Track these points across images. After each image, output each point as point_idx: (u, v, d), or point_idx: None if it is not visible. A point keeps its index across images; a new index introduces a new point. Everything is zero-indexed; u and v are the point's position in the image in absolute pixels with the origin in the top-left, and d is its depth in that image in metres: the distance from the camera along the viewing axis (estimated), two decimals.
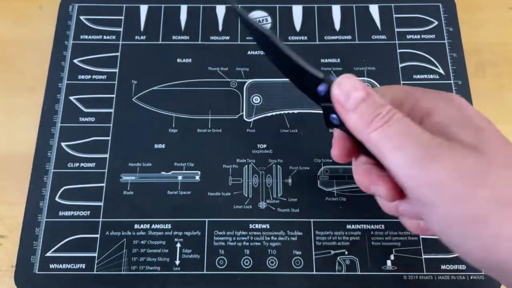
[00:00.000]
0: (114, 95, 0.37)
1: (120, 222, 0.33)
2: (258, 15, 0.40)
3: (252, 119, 0.36)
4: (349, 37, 0.39)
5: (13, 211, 0.34)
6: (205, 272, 0.32)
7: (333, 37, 0.39)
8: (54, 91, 0.37)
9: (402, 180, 0.21)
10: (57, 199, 0.34)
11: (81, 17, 0.40)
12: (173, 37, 0.39)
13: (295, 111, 0.36)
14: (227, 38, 0.39)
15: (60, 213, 0.33)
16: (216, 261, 0.32)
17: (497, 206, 0.19)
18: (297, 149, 0.35)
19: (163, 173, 0.35)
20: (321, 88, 0.23)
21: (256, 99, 0.37)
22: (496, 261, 0.19)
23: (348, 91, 0.22)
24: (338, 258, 0.32)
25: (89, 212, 0.33)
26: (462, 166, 0.19)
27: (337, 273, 0.32)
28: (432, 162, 0.19)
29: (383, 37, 0.39)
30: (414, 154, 0.20)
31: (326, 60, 0.38)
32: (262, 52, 0.39)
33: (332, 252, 0.32)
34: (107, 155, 0.35)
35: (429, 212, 0.21)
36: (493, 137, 0.21)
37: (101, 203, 0.34)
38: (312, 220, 0.33)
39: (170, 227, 0.33)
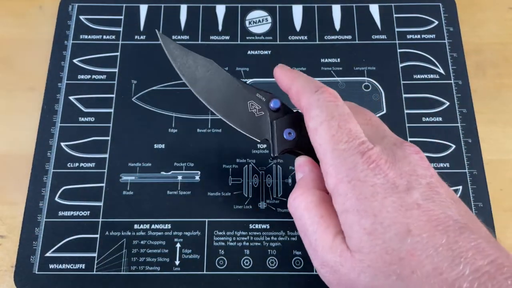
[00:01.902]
0: (114, 95, 0.37)
1: (120, 222, 0.33)
2: (258, 15, 0.40)
3: None
4: (349, 37, 0.39)
5: (13, 211, 0.34)
6: (205, 272, 0.32)
7: (333, 37, 0.39)
8: (54, 91, 0.37)
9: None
10: (56, 199, 0.34)
11: (81, 17, 0.40)
12: (173, 37, 0.39)
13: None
14: (227, 38, 0.39)
15: (60, 213, 0.33)
16: (216, 261, 0.32)
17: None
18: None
19: (163, 173, 0.35)
20: (272, 104, 0.27)
21: None
22: None
23: (301, 166, 0.26)
24: None
25: (88, 212, 0.33)
26: (336, 271, 0.22)
27: None
28: (313, 259, 0.24)
29: (383, 37, 0.39)
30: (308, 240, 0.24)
31: (326, 60, 0.38)
32: (262, 52, 0.39)
33: None
34: (107, 155, 0.35)
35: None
36: (380, 240, 0.20)
37: (101, 203, 0.34)
38: None
39: (170, 227, 0.33)
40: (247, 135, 0.27)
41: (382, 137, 0.24)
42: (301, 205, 0.23)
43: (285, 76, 0.26)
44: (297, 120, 0.26)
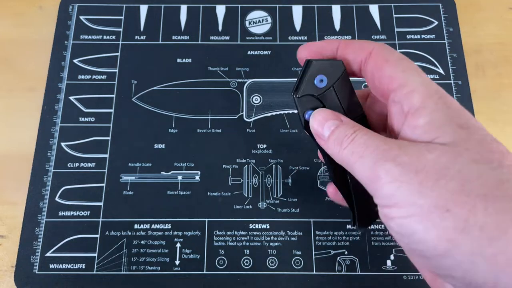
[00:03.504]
0: (114, 95, 0.37)
1: (120, 222, 0.33)
2: (258, 15, 0.40)
3: (252, 119, 0.36)
4: (349, 37, 0.39)
5: (13, 211, 0.34)
6: (205, 272, 0.32)
7: (333, 37, 0.39)
8: (54, 91, 0.37)
9: (367, 187, 0.21)
10: (57, 199, 0.34)
11: (81, 17, 0.40)
12: (173, 37, 0.39)
13: (295, 111, 0.36)
14: (227, 38, 0.39)
15: (60, 213, 0.33)
16: (216, 261, 0.32)
17: (460, 197, 0.19)
18: (297, 149, 0.35)
19: (163, 173, 0.35)
20: (307, 115, 0.24)
21: (256, 99, 0.37)
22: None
23: (322, 122, 0.24)
24: (338, 258, 0.32)
25: (89, 212, 0.33)
26: (420, 160, 0.20)
27: (337, 273, 0.32)
28: (385, 163, 0.20)
29: (383, 37, 0.39)
30: (371, 159, 0.20)
31: None
32: (262, 52, 0.39)
33: (332, 252, 0.32)
34: (107, 155, 0.35)
35: (393, 213, 0.21)
36: (474, 134, 0.20)
37: (101, 203, 0.34)
38: (312, 220, 0.33)
39: (170, 227, 0.33)
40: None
41: None
42: (361, 136, 0.22)
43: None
44: (335, 70, 0.24)
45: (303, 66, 0.25)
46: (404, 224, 0.20)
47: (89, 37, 0.39)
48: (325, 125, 0.23)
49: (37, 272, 0.32)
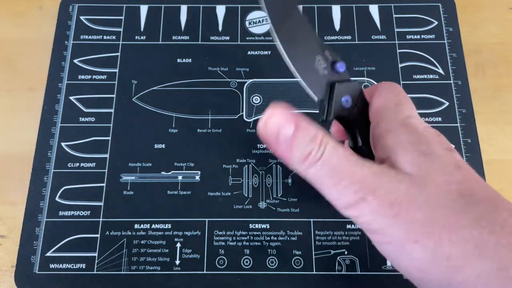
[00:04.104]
0: (114, 95, 0.37)
1: (120, 222, 0.33)
2: (258, 15, 0.40)
3: (252, 119, 0.36)
4: (349, 37, 0.39)
5: (13, 211, 0.34)
6: (205, 272, 0.32)
7: (333, 37, 0.39)
8: (54, 91, 0.37)
9: (342, 210, 0.22)
10: (57, 199, 0.34)
11: (81, 17, 0.40)
12: (173, 37, 0.39)
13: (295, 111, 0.36)
14: (227, 38, 0.39)
15: (60, 213, 0.33)
16: (216, 261, 0.32)
17: (427, 228, 0.19)
18: None
19: (163, 173, 0.35)
20: (338, 65, 0.25)
21: (256, 99, 0.37)
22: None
23: (276, 130, 0.21)
24: (338, 258, 0.32)
25: (89, 212, 0.33)
26: (393, 193, 0.20)
27: (337, 273, 0.32)
28: (365, 196, 0.20)
29: (383, 37, 0.39)
30: (350, 190, 0.21)
31: None
32: (262, 52, 0.39)
33: (332, 252, 0.32)
34: (107, 155, 0.35)
35: (372, 238, 0.22)
36: (438, 162, 0.21)
37: (101, 203, 0.34)
38: (312, 220, 0.33)
39: (170, 227, 0.33)
40: (309, 89, 0.24)
41: None
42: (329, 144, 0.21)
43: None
44: (355, 90, 0.25)
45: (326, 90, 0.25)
46: (382, 251, 0.21)
47: (89, 37, 0.39)
48: (280, 133, 0.21)
49: (37, 272, 0.32)
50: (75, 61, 0.38)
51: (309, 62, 0.25)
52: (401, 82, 0.38)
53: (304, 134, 0.21)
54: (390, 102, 0.24)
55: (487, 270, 0.18)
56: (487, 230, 0.19)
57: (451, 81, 0.38)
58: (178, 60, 0.38)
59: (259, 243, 0.33)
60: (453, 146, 0.22)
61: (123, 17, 0.40)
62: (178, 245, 0.33)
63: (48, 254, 0.32)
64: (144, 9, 0.40)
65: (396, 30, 0.40)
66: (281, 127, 0.21)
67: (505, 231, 0.19)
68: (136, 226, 0.33)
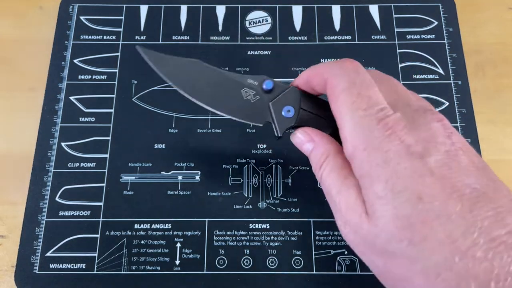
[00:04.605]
0: (114, 95, 0.37)
1: (120, 222, 0.33)
2: (258, 15, 0.40)
3: None
4: (349, 37, 0.39)
5: (13, 211, 0.34)
6: (205, 272, 0.32)
7: (333, 37, 0.39)
8: (54, 91, 0.37)
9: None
10: (57, 199, 0.34)
11: (81, 17, 0.40)
12: (173, 37, 0.39)
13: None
14: (227, 38, 0.39)
15: (60, 213, 0.33)
16: (216, 261, 0.32)
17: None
18: (297, 149, 0.35)
19: (163, 173, 0.35)
20: (265, 85, 0.27)
21: None
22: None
23: (299, 145, 0.27)
24: (338, 258, 0.32)
25: (89, 212, 0.33)
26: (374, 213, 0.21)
27: (337, 273, 0.32)
28: (342, 228, 0.23)
29: (383, 37, 0.39)
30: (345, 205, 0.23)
31: (326, 60, 0.39)
32: (262, 52, 0.39)
33: (332, 252, 0.32)
34: (107, 155, 0.35)
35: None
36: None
37: (101, 203, 0.34)
38: (312, 220, 0.33)
39: (170, 227, 0.33)
40: (249, 122, 0.27)
41: (405, 104, 0.23)
42: (325, 169, 0.24)
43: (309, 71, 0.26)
44: (292, 96, 0.27)
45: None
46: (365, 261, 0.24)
47: (89, 37, 0.39)
48: (303, 147, 0.26)
49: (37, 272, 0.32)
50: (75, 61, 0.38)
51: (237, 99, 0.27)
52: (401, 82, 0.37)
53: (318, 151, 0.25)
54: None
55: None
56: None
57: (451, 81, 0.38)
58: None
59: (259, 243, 0.33)
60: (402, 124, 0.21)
61: (123, 17, 0.40)
62: (178, 245, 0.33)
63: (48, 254, 0.32)
64: (144, 9, 0.40)
65: (396, 30, 0.40)
66: (303, 144, 0.26)
67: None
68: (136, 226, 0.33)
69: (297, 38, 0.39)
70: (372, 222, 0.21)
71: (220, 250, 0.32)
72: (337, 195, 0.23)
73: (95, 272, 0.32)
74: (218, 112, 0.27)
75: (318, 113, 0.26)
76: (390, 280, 0.22)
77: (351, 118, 0.22)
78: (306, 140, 0.26)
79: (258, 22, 0.40)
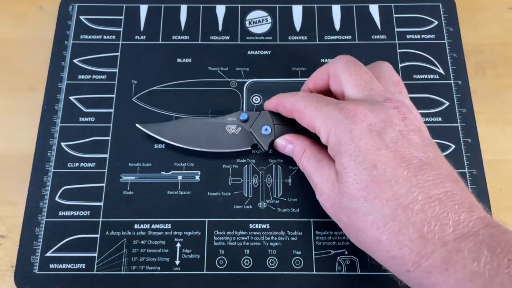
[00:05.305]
0: (114, 95, 0.37)
1: (120, 222, 0.33)
2: (258, 15, 0.40)
3: None
4: (349, 37, 0.39)
5: (13, 211, 0.34)
6: (205, 272, 0.32)
7: (333, 37, 0.39)
8: (54, 91, 0.37)
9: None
10: (57, 199, 0.34)
11: (81, 17, 0.40)
12: (173, 37, 0.39)
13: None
14: (227, 38, 0.39)
15: (60, 213, 0.33)
16: (216, 261, 0.32)
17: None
18: None
19: (163, 173, 0.35)
20: (241, 117, 0.34)
21: (256, 99, 0.37)
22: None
23: (283, 148, 0.33)
24: (338, 258, 0.32)
25: (89, 212, 0.33)
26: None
27: (337, 273, 0.32)
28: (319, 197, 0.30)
29: (383, 37, 0.39)
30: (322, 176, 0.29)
31: (326, 60, 0.38)
32: (262, 52, 0.39)
33: (332, 252, 0.32)
34: (107, 155, 0.35)
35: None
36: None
37: (101, 203, 0.34)
38: (312, 220, 0.33)
39: (170, 227, 0.33)
40: (240, 150, 0.34)
41: (368, 91, 0.28)
42: (305, 158, 0.30)
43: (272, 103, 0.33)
44: (265, 117, 0.34)
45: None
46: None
47: (89, 37, 0.39)
48: (285, 149, 0.33)
49: (37, 272, 0.32)
50: (75, 61, 0.38)
51: (225, 136, 0.34)
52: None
53: (296, 147, 0.32)
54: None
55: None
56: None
57: (451, 81, 0.38)
58: (178, 60, 0.38)
59: (259, 243, 0.33)
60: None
61: (123, 17, 0.40)
62: (178, 245, 0.33)
63: (48, 254, 0.32)
64: (144, 9, 0.40)
65: (396, 30, 0.40)
66: (283, 147, 0.33)
67: None
68: (136, 226, 0.33)
69: (297, 38, 0.39)
70: (340, 187, 0.26)
71: (220, 250, 0.32)
72: (314, 173, 0.29)
73: (95, 272, 0.32)
74: (216, 151, 0.34)
75: (288, 122, 0.32)
76: (353, 231, 0.26)
77: (319, 114, 0.28)
78: (286, 143, 0.32)
79: (258, 21, 0.40)
